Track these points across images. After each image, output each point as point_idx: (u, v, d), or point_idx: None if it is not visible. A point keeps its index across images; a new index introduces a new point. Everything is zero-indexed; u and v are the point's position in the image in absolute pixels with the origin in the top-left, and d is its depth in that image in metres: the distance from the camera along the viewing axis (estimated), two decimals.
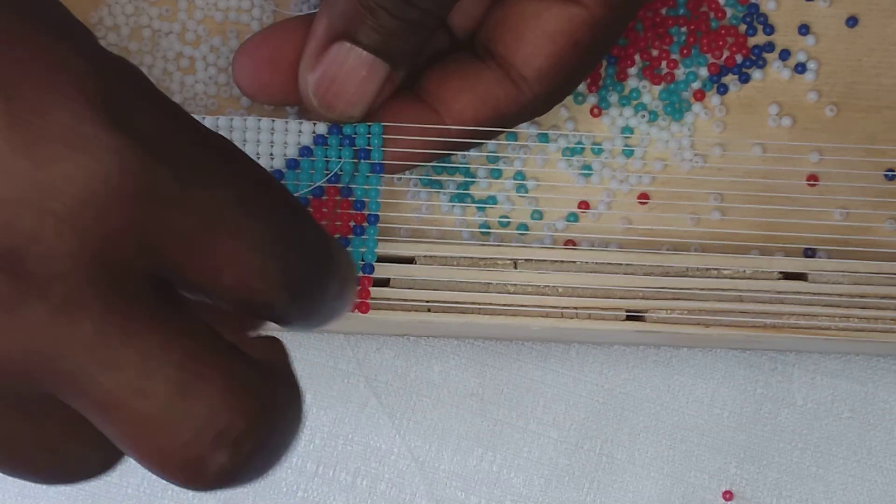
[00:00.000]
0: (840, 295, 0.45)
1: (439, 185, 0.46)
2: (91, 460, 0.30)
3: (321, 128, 0.43)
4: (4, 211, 0.27)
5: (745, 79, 0.47)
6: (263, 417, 0.28)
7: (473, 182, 0.47)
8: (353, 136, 0.43)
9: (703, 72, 0.47)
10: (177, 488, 0.47)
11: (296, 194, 0.43)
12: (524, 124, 0.46)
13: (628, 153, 0.47)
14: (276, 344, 0.31)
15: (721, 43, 0.47)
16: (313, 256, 0.30)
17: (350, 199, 0.44)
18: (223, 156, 0.30)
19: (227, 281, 0.29)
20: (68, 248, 0.27)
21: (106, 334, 0.27)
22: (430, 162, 0.45)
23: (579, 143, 0.47)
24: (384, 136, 0.43)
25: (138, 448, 0.28)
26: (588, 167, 0.47)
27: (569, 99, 0.47)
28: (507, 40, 0.43)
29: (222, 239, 0.28)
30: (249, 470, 0.29)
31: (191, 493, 0.48)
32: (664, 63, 0.47)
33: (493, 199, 0.47)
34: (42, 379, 0.27)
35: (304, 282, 0.30)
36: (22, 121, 0.27)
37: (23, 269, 0.27)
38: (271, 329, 0.32)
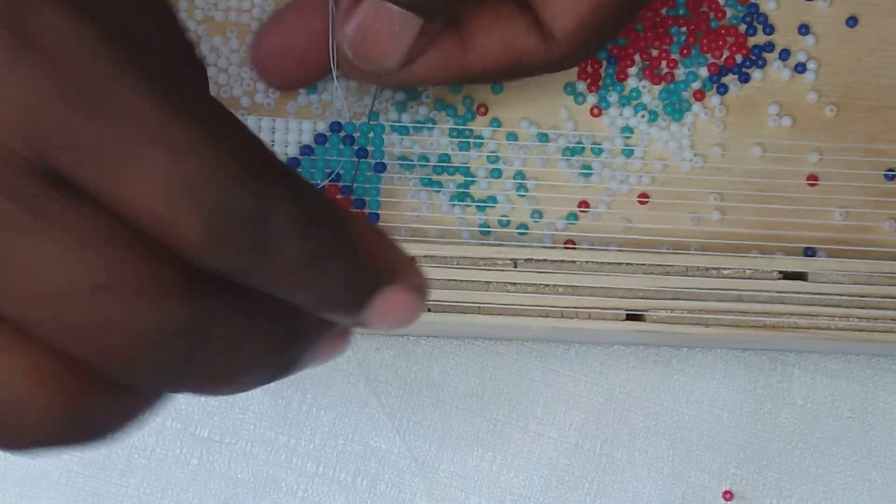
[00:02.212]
0: (840, 295, 0.45)
1: (439, 185, 0.46)
2: None
3: (322, 126, 0.43)
4: None
5: (744, 79, 0.47)
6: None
7: (473, 182, 0.46)
8: (355, 134, 0.43)
9: (703, 72, 0.47)
10: (176, 488, 0.47)
11: None
12: (524, 124, 0.46)
13: (628, 153, 0.47)
14: None
15: (721, 43, 0.47)
16: (253, 173, 0.22)
17: (350, 198, 0.44)
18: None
19: (130, 196, 0.22)
20: None
21: None
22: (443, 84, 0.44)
23: (579, 143, 0.47)
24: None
25: None
26: (588, 167, 0.47)
27: (569, 99, 0.47)
28: None
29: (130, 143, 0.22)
30: None
31: (191, 494, 0.48)
32: (664, 63, 0.47)
33: (493, 199, 0.46)
34: None
35: (233, 207, 0.22)
36: None
37: None
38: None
